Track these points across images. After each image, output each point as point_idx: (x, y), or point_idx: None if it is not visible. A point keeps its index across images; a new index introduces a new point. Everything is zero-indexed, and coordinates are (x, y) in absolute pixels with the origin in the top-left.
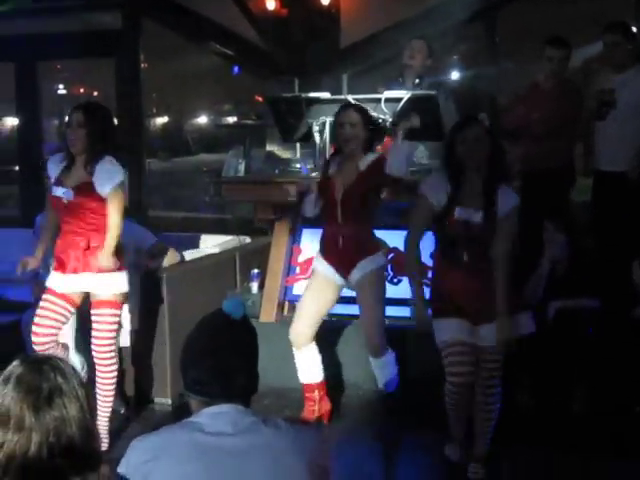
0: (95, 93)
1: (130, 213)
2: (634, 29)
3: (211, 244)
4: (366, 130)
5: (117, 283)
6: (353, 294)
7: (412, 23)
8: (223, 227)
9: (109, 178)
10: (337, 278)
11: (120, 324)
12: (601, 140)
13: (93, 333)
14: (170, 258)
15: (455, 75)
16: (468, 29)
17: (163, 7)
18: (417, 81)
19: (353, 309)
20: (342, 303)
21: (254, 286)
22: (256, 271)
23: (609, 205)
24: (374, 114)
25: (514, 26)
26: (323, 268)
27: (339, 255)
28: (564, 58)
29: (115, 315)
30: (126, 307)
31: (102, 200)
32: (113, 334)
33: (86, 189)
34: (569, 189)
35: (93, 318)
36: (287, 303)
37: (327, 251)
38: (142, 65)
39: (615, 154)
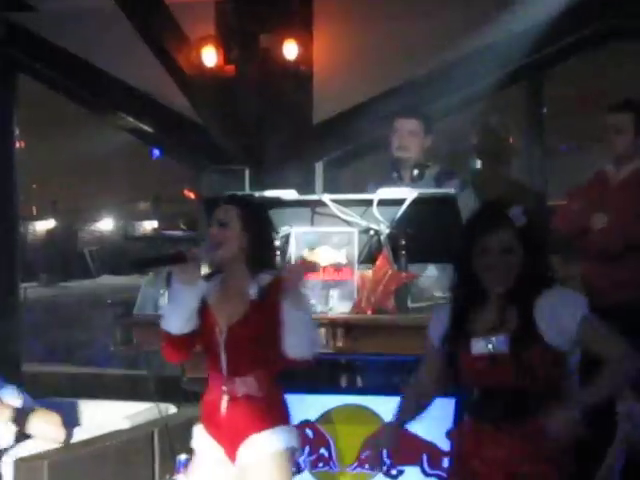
0: None
1: None
2: None
3: (117, 415)
4: (250, 233)
5: None
6: None
7: (417, 88)
8: (135, 390)
9: None
10: (225, 459)
11: None
12: None
13: None
14: (53, 435)
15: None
16: (501, 97)
17: (48, 59)
18: (415, 172)
19: None
20: None
21: (181, 479)
22: (184, 457)
23: None
24: (357, 220)
25: (568, 92)
26: (204, 446)
27: (222, 425)
28: (633, 126)
29: None
30: None
31: None
32: None
33: None
34: None
35: None
36: None
37: (208, 417)
38: (17, 144)
39: None
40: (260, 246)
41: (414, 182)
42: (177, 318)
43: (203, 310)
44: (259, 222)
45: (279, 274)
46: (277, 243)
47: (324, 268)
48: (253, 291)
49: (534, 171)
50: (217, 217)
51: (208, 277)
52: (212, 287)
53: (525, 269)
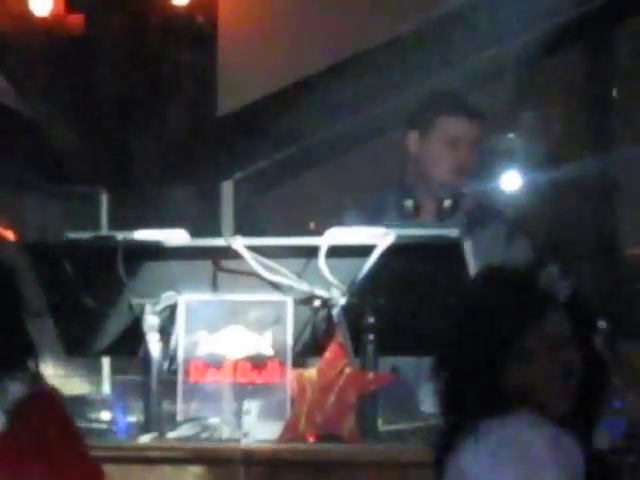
0: None
1: None
2: None
3: None
4: None
5: None
6: None
7: (393, 55)
8: None
9: None
10: None
11: None
12: None
13: None
14: None
15: (512, 177)
16: (543, 69)
17: None
18: (447, 204)
19: None
20: None
21: None
22: None
23: None
24: (293, 282)
25: None
26: None
27: None
28: None
29: None
30: None
31: None
32: None
33: None
34: None
35: None
36: None
37: None
38: None
39: None
40: (5, 332)
41: (442, 219)
42: None
43: None
44: (3, 291)
45: (38, 383)
46: (153, 321)
47: (235, 364)
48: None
49: (596, 190)
50: None
51: None
52: None
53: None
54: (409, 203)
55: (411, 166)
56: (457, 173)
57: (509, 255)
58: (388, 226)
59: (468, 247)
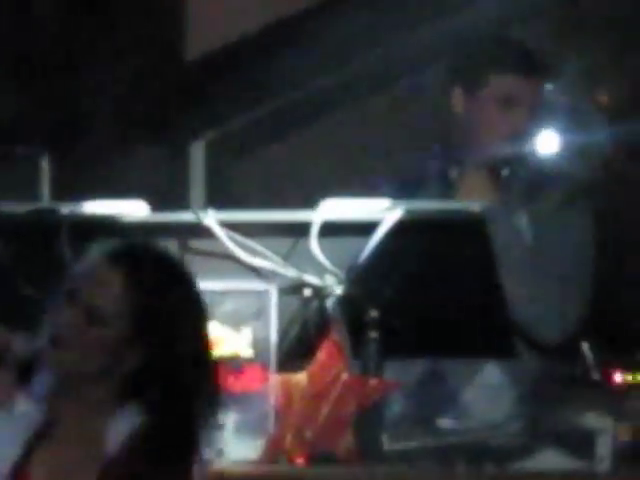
0: None
1: None
2: None
3: None
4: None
5: None
6: None
7: None
8: None
9: None
10: None
11: None
12: None
13: None
14: None
15: (549, 138)
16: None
17: None
18: (504, 174)
19: None
20: None
21: None
22: None
23: None
24: (277, 267)
25: None
26: None
27: None
28: None
29: None
30: None
31: None
32: None
33: None
34: None
35: None
36: None
37: None
38: None
39: None
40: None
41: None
42: None
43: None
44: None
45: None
46: None
47: None
48: (114, 437)
49: None
50: (81, 286)
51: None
52: (35, 421)
53: None
54: (455, 173)
55: (455, 128)
56: (511, 141)
57: (569, 223)
58: (394, 198)
59: (523, 218)
